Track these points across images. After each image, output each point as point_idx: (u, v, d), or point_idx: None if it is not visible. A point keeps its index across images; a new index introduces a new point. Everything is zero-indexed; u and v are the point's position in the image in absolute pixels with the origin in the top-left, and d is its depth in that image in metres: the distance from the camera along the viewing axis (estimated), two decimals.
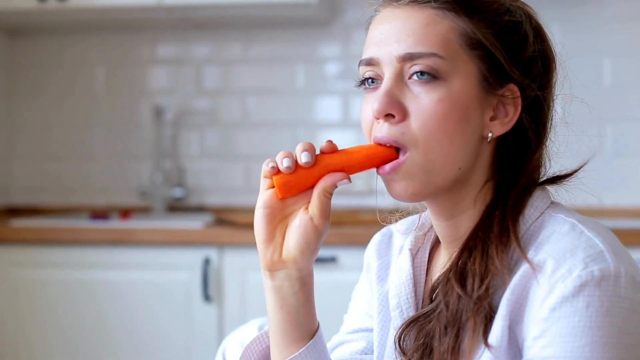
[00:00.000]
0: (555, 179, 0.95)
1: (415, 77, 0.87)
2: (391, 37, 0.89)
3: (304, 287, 0.91)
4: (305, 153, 0.88)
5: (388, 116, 0.88)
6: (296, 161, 0.88)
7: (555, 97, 0.95)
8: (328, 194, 0.88)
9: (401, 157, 0.88)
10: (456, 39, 0.88)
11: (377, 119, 0.89)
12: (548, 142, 0.94)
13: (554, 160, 0.95)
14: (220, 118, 2.80)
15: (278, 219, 0.91)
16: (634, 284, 0.81)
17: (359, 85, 0.94)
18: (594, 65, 2.58)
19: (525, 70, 0.90)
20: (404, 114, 0.87)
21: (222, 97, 2.80)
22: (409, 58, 0.87)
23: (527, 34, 0.91)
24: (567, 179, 0.95)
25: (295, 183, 0.89)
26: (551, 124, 0.94)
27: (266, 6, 2.47)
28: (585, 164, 0.95)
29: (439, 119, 0.86)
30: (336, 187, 0.88)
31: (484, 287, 0.84)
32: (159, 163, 2.73)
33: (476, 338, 0.84)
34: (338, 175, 0.88)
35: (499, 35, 0.89)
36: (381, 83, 0.90)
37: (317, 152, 0.90)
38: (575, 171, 0.95)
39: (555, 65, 0.95)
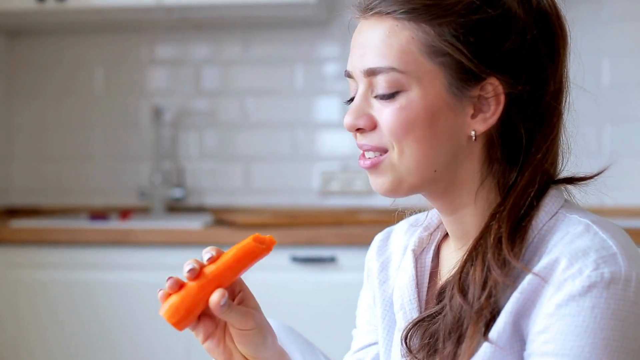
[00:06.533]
0: (571, 180, 0.93)
1: (378, 96, 0.89)
2: (358, 50, 0.91)
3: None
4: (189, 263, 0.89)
5: (358, 130, 0.91)
6: (180, 283, 0.89)
7: (566, 89, 0.92)
8: (225, 308, 0.87)
9: (381, 157, 0.90)
10: (417, 49, 0.87)
11: (351, 132, 0.92)
12: (559, 141, 0.91)
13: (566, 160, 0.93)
14: (220, 118, 2.79)
15: (221, 337, 0.92)
16: None
17: (348, 102, 0.95)
18: (594, 66, 2.58)
19: (506, 65, 0.87)
20: (373, 124, 0.90)
21: (221, 98, 2.80)
22: (371, 73, 0.89)
23: (507, 26, 0.87)
24: (584, 182, 0.93)
25: (185, 307, 0.87)
26: (558, 120, 0.91)
27: (265, 6, 2.47)
28: (605, 169, 0.94)
29: (403, 126, 0.87)
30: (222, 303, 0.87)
31: (484, 297, 0.84)
32: (158, 164, 2.73)
33: (474, 341, 0.84)
34: (214, 297, 0.86)
35: (466, 37, 0.86)
36: None
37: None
38: (594, 175, 0.94)
39: (563, 47, 0.90)
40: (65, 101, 2.86)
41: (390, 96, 0.88)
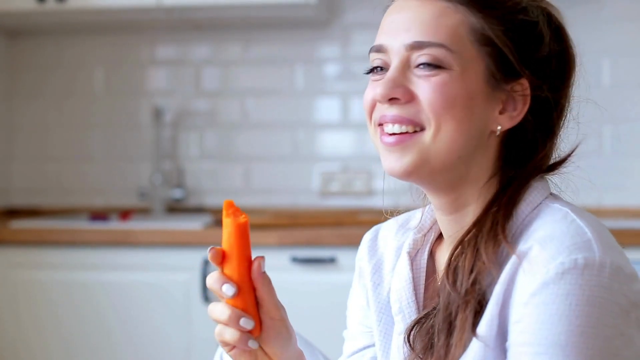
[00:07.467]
0: (551, 167, 0.95)
1: (421, 67, 0.89)
2: (402, 25, 0.90)
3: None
4: (226, 286, 0.93)
5: (392, 100, 0.89)
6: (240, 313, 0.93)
7: (570, 100, 0.96)
8: (265, 274, 0.94)
9: (414, 134, 0.89)
10: (466, 33, 0.89)
11: (381, 103, 0.90)
12: (557, 144, 0.95)
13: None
14: (220, 119, 2.79)
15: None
16: (619, 276, 0.80)
17: (368, 73, 0.94)
18: (594, 66, 2.58)
19: (536, 70, 0.91)
20: (411, 96, 0.89)
21: (221, 98, 2.80)
22: (417, 46, 0.89)
23: (542, 34, 0.91)
24: (562, 165, 0.95)
25: (251, 311, 0.93)
26: (562, 127, 0.95)
27: (265, 7, 2.47)
28: (576, 148, 0.96)
29: (445, 101, 0.87)
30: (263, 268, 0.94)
31: (470, 282, 0.84)
32: (158, 164, 2.73)
33: (464, 331, 0.84)
34: (255, 265, 0.94)
35: (511, 34, 0.89)
36: (387, 72, 0.91)
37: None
38: (569, 155, 0.95)
39: (573, 68, 0.95)
40: (65, 101, 2.86)
41: (433, 68, 0.88)
